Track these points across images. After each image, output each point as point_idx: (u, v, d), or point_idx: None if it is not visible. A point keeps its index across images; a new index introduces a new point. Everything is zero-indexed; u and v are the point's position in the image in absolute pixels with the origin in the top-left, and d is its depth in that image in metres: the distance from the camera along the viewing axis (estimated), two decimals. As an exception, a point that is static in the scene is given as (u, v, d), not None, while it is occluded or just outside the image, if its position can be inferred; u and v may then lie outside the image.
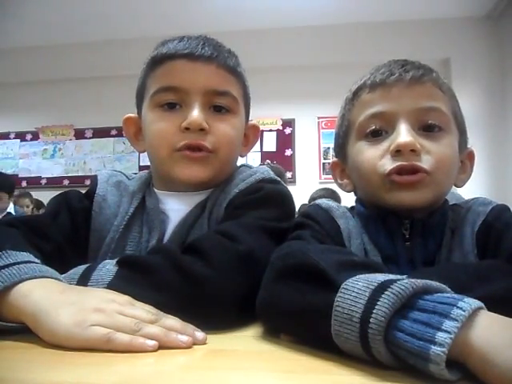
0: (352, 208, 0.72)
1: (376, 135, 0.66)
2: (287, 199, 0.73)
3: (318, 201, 0.72)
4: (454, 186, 0.69)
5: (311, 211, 0.68)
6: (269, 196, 0.70)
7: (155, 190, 0.77)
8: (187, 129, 0.69)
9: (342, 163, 0.75)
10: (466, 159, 0.71)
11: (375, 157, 0.64)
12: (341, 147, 0.74)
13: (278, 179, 0.76)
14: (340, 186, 0.76)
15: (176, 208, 0.74)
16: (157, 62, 0.73)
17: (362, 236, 0.67)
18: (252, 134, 0.84)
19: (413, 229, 0.64)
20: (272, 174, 0.77)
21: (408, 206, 0.63)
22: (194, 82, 0.71)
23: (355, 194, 0.74)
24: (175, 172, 0.71)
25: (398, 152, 0.62)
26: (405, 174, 0.62)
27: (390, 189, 0.63)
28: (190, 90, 0.70)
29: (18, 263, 0.50)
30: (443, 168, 0.63)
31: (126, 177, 0.83)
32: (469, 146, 0.72)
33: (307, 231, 0.62)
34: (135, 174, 0.86)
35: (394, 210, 0.64)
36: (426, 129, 0.64)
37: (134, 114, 0.80)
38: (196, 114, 0.69)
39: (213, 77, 0.72)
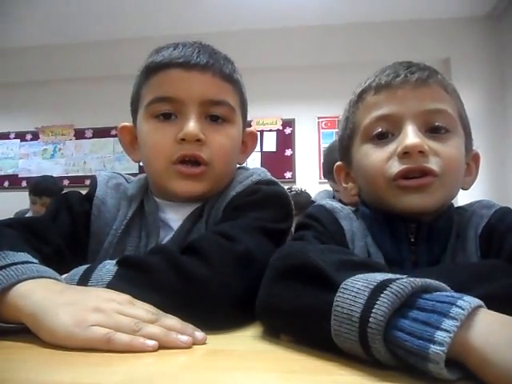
0: (356, 210, 0.72)
1: (382, 138, 0.65)
2: (285, 200, 0.72)
3: (322, 201, 0.71)
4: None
5: (315, 212, 0.68)
6: (266, 197, 0.70)
7: (154, 198, 0.77)
8: (183, 140, 0.69)
9: (346, 167, 0.74)
10: (472, 161, 0.71)
11: (382, 159, 0.63)
12: (345, 150, 0.73)
13: (276, 180, 0.76)
14: (344, 189, 0.75)
15: (174, 218, 0.74)
16: (151, 70, 0.72)
17: (365, 238, 0.66)
18: (250, 141, 0.84)
19: (419, 233, 0.63)
20: (269, 175, 0.76)
21: (417, 211, 0.62)
22: (190, 92, 0.70)
23: (359, 198, 0.73)
24: (171, 186, 0.71)
25: (405, 154, 0.61)
26: (412, 177, 0.61)
27: (397, 193, 0.62)
28: (185, 101, 0.70)
29: (16, 264, 0.50)
30: (452, 170, 0.63)
31: (125, 179, 0.82)
32: (474, 147, 0.72)
33: (310, 232, 0.62)
34: (136, 174, 0.86)
35: (401, 215, 0.64)
36: (433, 131, 0.63)
37: (129, 123, 0.79)
38: (192, 124, 0.68)
39: (208, 86, 0.71)
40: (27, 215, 2.69)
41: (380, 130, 0.65)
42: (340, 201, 0.77)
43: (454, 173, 0.64)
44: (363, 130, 0.67)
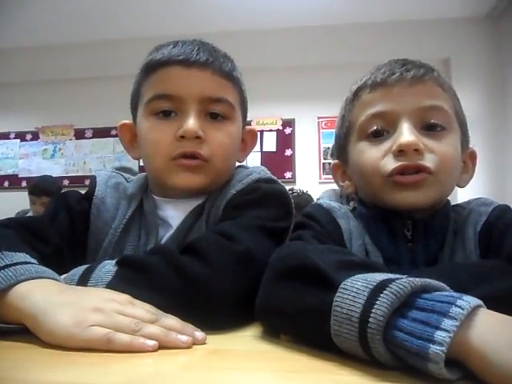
0: (354, 209, 0.72)
1: (377, 135, 0.65)
2: (285, 198, 0.72)
3: (320, 201, 0.71)
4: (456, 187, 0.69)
5: (313, 211, 0.68)
6: (266, 196, 0.70)
7: (153, 196, 0.77)
8: (182, 137, 0.69)
9: (342, 165, 0.74)
10: (468, 159, 0.71)
11: (377, 157, 0.64)
12: (342, 148, 0.73)
13: (275, 178, 0.76)
14: (341, 188, 0.75)
15: (174, 215, 0.74)
16: (151, 68, 0.72)
17: (363, 237, 0.66)
18: (250, 139, 0.84)
19: (415, 230, 0.64)
20: (269, 174, 0.76)
21: (411, 207, 0.62)
22: (189, 90, 0.70)
23: (356, 196, 0.73)
24: (171, 180, 0.71)
25: (400, 152, 0.61)
26: (407, 173, 0.61)
27: (392, 189, 0.62)
28: (185, 98, 0.70)
29: (14, 264, 0.50)
30: (447, 167, 0.63)
31: (125, 178, 0.82)
32: (470, 145, 0.72)
33: (308, 231, 0.62)
34: (136, 174, 0.86)
35: (396, 211, 0.64)
36: (429, 128, 0.63)
37: (128, 121, 0.79)
38: (191, 122, 0.68)
39: (208, 84, 0.71)
40: (28, 215, 2.69)
41: (375, 127, 0.65)
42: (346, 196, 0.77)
43: (449, 170, 0.64)
44: (359, 127, 0.67)
